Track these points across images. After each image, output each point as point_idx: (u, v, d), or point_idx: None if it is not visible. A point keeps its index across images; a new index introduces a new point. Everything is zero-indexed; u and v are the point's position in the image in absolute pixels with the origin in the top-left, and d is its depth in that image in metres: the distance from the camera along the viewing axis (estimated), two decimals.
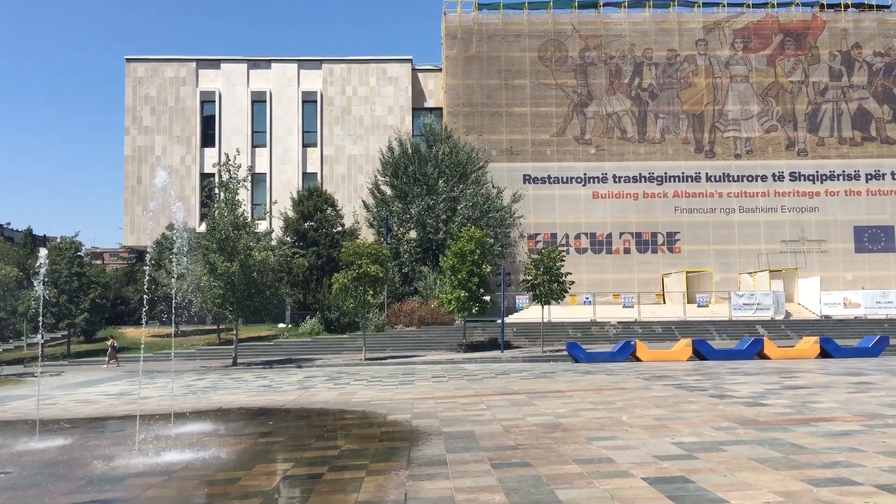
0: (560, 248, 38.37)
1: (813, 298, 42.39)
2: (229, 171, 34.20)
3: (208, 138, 50.40)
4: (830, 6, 51.17)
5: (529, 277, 34.34)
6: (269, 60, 51.48)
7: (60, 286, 39.36)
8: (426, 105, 51.91)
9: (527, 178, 48.66)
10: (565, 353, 30.46)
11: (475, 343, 36.21)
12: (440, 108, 50.64)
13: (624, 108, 50.04)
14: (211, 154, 48.89)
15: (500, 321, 35.90)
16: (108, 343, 36.01)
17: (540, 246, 42.86)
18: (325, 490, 8.73)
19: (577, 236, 48.83)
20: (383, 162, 45.92)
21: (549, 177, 49.08)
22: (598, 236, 48.91)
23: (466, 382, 21.53)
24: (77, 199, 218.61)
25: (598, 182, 49.21)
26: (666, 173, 49.45)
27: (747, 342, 29.29)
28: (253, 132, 50.73)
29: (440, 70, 51.25)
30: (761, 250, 48.13)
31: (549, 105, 49.57)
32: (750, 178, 49.53)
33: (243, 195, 35.44)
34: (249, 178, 36.88)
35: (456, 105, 49.39)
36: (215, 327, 42.95)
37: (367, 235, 42.92)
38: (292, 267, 37.43)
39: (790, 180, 49.46)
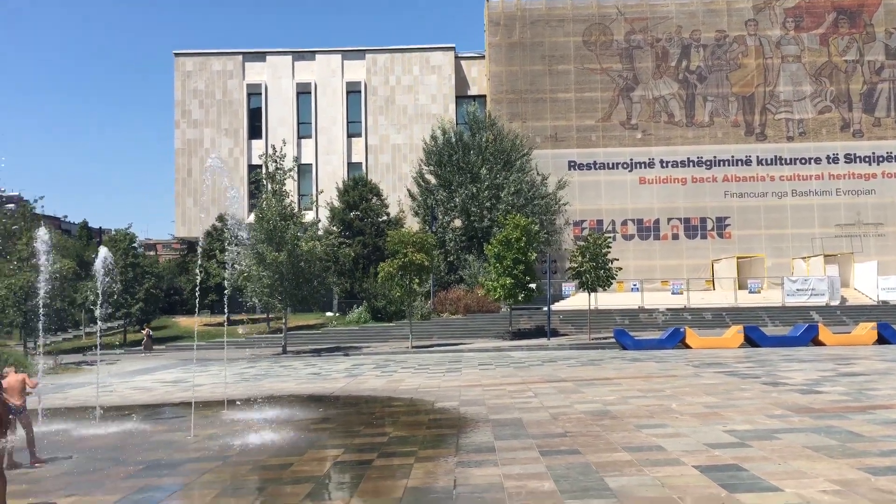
0: (606, 235, 37.95)
1: (870, 283, 41.22)
2: (276, 162, 34.68)
3: (255, 130, 51.08)
4: None
5: (575, 265, 34.10)
6: (314, 52, 51.84)
7: (115, 277, 40.45)
8: (469, 93, 51.74)
9: (572, 165, 48.22)
10: (613, 340, 30.20)
11: (521, 331, 36.13)
12: (484, 96, 50.42)
13: (671, 91, 49.16)
14: (258, 146, 49.54)
15: (546, 309, 35.75)
16: (144, 332, 38.87)
17: (586, 233, 42.37)
18: (375, 476, 8.85)
19: (624, 222, 48.25)
20: (427, 151, 46.00)
21: (595, 163, 48.54)
22: (645, 222, 48.26)
23: (513, 370, 21.53)
24: (130, 192, 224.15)
25: (645, 167, 48.51)
26: (715, 157, 48.46)
27: (801, 328, 28.65)
28: (298, 123, 51.23)
29: (483, 57, 50.99)
30: (815, 234, 46.87)
31: (594, 90, 48.95)
32: (803, 161, 48.24)
33: (290, 186, 35.87)
34: (296, 168, 37.32)
35: (499, 92, 49.13)
36: (265, 316, 43.71)
37: (412, 224, 43.08)
38: (339, 256, 37.81)
39: (845, 162, 48.03)
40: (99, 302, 20.59)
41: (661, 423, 11.53)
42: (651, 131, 48.70)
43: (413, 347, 31.99)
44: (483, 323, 37.82)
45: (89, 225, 66.51)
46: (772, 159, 48.22)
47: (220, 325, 39.70)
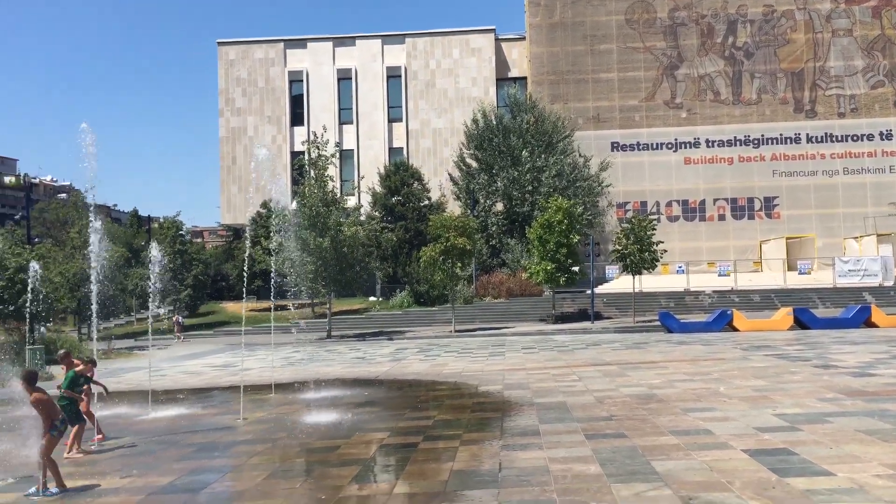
0: (650, 217, 37.42)
1: None
2: (318, 148, 34.92)
3: (297, 117, 51.51)
4: None
5: (619, 247, 33.72)
6: (354, 38, 51.98)
7: (164, 264, 41.34)
8: (510, 75, 51.35)
9: (615, 146, 47.58)
10: (658, 323, 29.83)
11: (564, 314, 35.95)
12: (524, 78, 49.99)
13: (717, 68, 48.08)
14: (300, 132, 49.95)
15: (589, 292, 35.49)
16: (174, 319, 39.33)
17: (630, 215, 41.86)
18: (421, 459, 8.93)
19: (669, 204, 47.52)
20: (468, 134, 45.85)
21: (639, 143, 47.83)
22: (690, 203, 47.46)
23: (557, 353, 21.46)
24: (177, 180, 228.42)
25: (690, 147, 47.63)
26: (763, 135, 47.35)
27: (853, 310, 27.93)
28: (340, 109, 51.49)
29: (524, 39, 50.49)
30: (868, 213, 45.54)
31: (637, 69, 48.14)
32: (855, 138, 46.85)
33: (332, 172, 36.13)
34: (337, 154, 37.53)
35: (540, 73, 48.63)
36: (310, 301, 44.24)
37: (454, 208, 43.06)
38: (381, 241, 38.02)
39: None
40: (151, 299, 21.12)
41: (708, 406, 11.39)
42: (696, 110, 47.76)
43: (456, 331, 32.08)
44: (525, 307, 37.73)
45: (139, 213, 67.98)
46: (822, 136, 46.93)
47: (266, 310, 40.32)
